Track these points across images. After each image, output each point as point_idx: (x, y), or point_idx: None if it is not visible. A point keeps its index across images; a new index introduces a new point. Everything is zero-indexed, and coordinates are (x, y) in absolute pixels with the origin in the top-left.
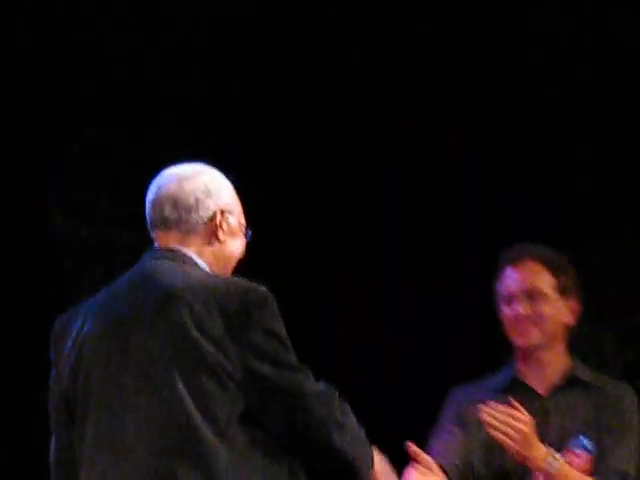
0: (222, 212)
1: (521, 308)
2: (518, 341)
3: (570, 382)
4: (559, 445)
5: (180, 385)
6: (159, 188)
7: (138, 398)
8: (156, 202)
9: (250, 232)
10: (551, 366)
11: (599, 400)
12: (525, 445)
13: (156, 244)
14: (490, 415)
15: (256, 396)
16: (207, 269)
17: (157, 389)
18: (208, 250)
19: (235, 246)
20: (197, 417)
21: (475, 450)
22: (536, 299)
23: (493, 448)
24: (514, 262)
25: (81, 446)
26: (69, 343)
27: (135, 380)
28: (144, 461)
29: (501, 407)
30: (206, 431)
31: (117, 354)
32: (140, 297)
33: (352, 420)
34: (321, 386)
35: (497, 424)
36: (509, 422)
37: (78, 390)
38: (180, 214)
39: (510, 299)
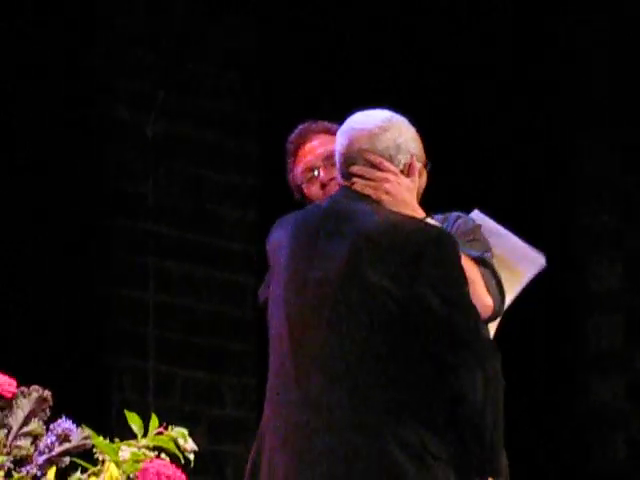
0: (411, 163)
1: None
2: None
3: None
4: None
5: (361, 323)
6: (350, 142)
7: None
8: (347, 156)
9: (429, 163)
10: None
11: None
12: None
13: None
14: None
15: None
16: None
17: (334, 323)
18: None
19: (420, 184)
20: (374, 355)
21: None
22: None
23: None
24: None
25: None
26: (273, 249)
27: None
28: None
29: None
30: (379, 361)
31: (302, 281)
32: (331, 232)
33: (496, 388)
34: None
35: None
36: None
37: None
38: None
39: None
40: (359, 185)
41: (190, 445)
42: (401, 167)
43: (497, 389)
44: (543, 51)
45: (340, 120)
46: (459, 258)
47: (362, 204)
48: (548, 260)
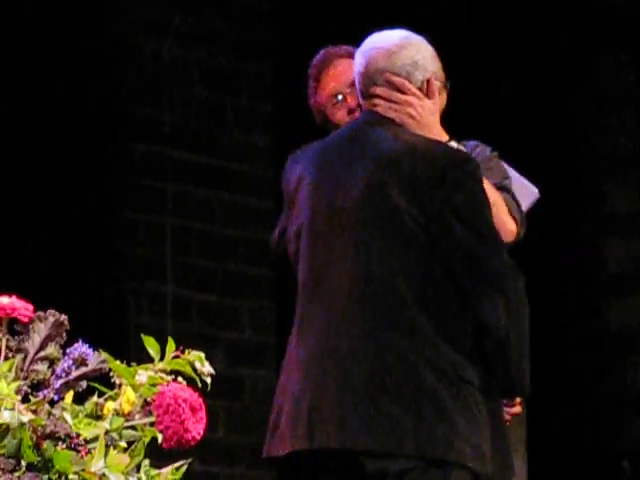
0: (429, 80)
1: None
2: None
3: None
4: None
5: (383, 247)
6: (368, 62)
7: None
8: (366, 76)
9: (449, 82)
10: None
11: None
12: None
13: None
14: None
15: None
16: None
17: (364, 251)
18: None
19: (440, 103)
20: (400, 278)
21: None
22: None
23: None
24: None
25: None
26: (293, 184)
27: (340, 241)
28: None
29: None
30: (405, 287)
31: (327, 208)
32: (353, 158)
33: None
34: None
35: None
36: None
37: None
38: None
39: None
40: (382, 107)
41: (207, 368)
42: (419, 85)
43: (521, 315)
44: None
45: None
46: (482, 182)
47: (384, 128)
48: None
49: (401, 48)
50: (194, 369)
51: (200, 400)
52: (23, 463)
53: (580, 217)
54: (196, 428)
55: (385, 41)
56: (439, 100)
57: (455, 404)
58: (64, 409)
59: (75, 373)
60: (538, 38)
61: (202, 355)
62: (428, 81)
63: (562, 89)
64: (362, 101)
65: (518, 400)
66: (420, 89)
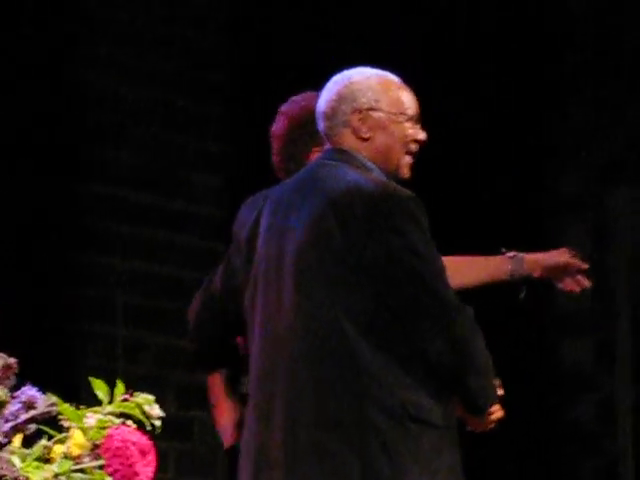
0: (360, 111)
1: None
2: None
3: None
4: None
5: (325, 289)
6: (326, 100)
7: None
8: (324, 115)
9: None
10: None
11: None
12: None
13: (327, 145)
14: None
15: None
16: (373, 167)
17: (306, 294)
18: (364, 152)
19: (389, 137)
20: (344, 320)
21: None
22: None
23: None
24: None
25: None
26: (245, 233)
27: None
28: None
29: None
30: (349, 327)
31: (277, 255)
32: (301, 199)
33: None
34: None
35: None
36: None
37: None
38: (326, 124)
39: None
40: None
41: (156, 411)
42: (346, 117)
43: (469, 340)
44: None
45: None
46: (420, 220)
47: (335, 167)
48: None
49: (333, 84)
50: (143, 412)
51: (149, 443)
52: None
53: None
54: (145, 471)
55: (341, 79)
56: (394, 129)
57: (404, 445)
58: (12, 452)
59: (24, 416)
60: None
61: (151, 398)
62: (360, 111)
63: None
64: (324, 138)
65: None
66: (348, 122)
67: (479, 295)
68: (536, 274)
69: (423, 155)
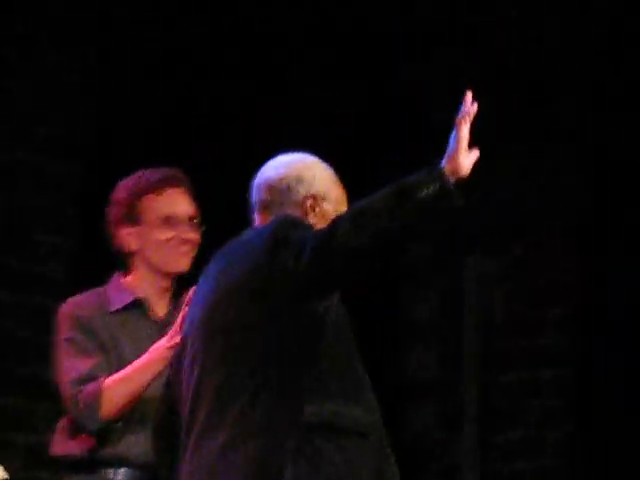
0: (313, 198)
1: (193, 233)
2: (182, 265)
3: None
4: None
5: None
6: (261, 174)
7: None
8: (256, 186)
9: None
10: (170, 291)
11: None
12: None
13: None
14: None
15: None
16: None
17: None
18: None
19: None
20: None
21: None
22: (198, 226)
23: None
24: (178, 184)
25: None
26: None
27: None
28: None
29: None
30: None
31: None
32: (215, 270)
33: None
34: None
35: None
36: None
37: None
38: (274, 197)
39: (180, 222)
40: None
41: (1, 474)
42: (300, 198)
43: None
44: None
45: None
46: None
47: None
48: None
49: (292, 162)
50: None
51: None
52: None
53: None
54: None
55: (281, 157)
56: (323, 223)
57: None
58: None
59: None
60: None
61: None
62: (314, 198)
63: None
64: (250, 214)
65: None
66: (301, 204)
67: None
68: None
69: None
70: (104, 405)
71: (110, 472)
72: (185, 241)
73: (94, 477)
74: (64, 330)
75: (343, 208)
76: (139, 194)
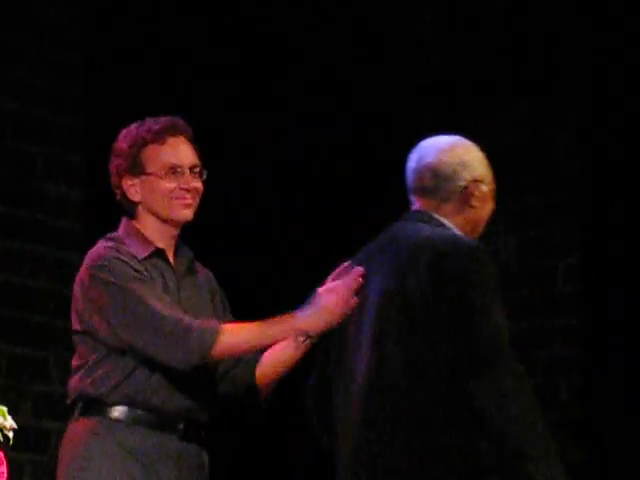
0: (475, 181)
1: (196, 182)
2: (186, 214)
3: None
4: None
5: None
6: (420, 158)
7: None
8: (416, 171)
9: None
10: (176, 240)
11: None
12: None
13: (412, 207)
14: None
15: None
16: (455, 230)
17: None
18: (460, 216)
19: (485, 211)
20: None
21: None
22: (200, 174)
23: None
24: (180, 133)
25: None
26: None
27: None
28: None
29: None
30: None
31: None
32: (382, 253)
33: None
34: None
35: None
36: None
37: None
38: (438, 184)
39: (183, 171)
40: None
41: (9, 422)
42: (463, 184)
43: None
44: None
45: None
46: (489, 263)
47: (413, 225)
48: None
49: (452, 147)
50: None
51: (0, 454)
52: None
53: None
54: None
55: (437, 141)
56: (484, 206)
57: None
58: None
59: None
60: None
61: (4, 409)
62: (475, 182)
63: None
64: (409, 195)
65: None
66: (465, 188)
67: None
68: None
69: None
70: (220, 342)
71: (117, 410)
72: (188, 190)
73: (105, 416)
74: (118, 276)
75: (493, 187)
76: (141, 144)
